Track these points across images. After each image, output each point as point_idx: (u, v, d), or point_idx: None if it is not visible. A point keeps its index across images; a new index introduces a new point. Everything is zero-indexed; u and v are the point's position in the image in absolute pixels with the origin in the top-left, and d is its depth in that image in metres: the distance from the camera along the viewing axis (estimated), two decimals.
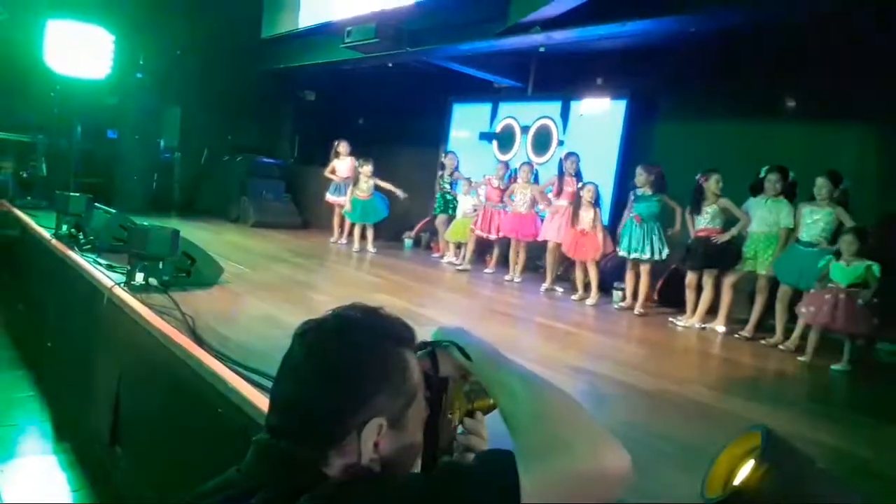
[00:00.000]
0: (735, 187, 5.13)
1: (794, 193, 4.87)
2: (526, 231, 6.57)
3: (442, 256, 7.71)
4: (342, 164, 8.13)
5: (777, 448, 1.09)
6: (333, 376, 0.83)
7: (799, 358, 4.37)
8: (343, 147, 8.14)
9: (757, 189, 5.00)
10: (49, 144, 9.05)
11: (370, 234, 7.85)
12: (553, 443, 0.79)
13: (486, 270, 7.06)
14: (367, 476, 0.83)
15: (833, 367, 4.21)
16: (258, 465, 0.84)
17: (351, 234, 8.02)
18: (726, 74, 5.94)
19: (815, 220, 4.63)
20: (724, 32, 5.50)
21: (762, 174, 4.93)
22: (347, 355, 0.85)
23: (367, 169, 7.71)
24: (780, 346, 4.63)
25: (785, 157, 5.15)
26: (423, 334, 0.98)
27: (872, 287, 4.25)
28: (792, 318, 4.69)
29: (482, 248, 7.29)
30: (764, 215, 4.89)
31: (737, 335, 4.89)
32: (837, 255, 4.39)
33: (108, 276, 4.19)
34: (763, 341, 4.74)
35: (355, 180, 7.83)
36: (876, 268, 4.28)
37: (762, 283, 4.89)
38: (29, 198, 8.18)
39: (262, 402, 2.38)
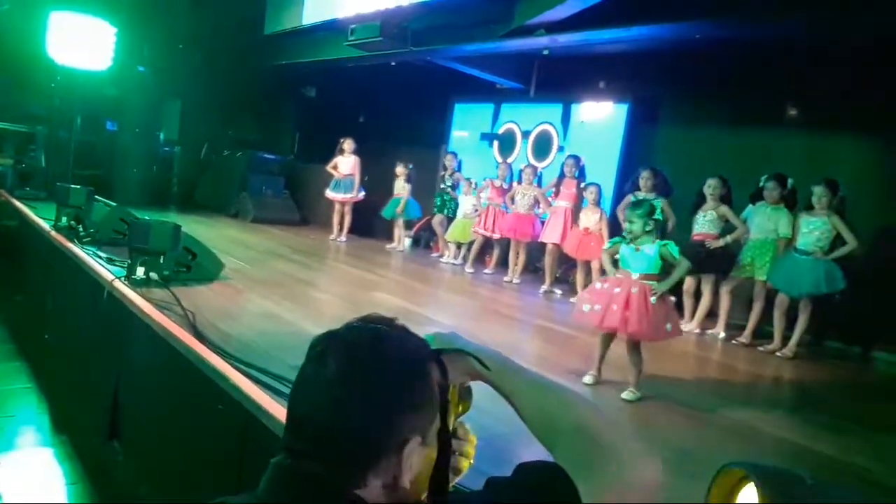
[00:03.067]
0: (734, 194, 5.13)
1: (795, 202, 4.89)
2: (524, 232, 6.56)
3: (441, 256, 7.72)
4: (345, 161, 8.16)
5: (766, 480, 1.12)
6: (373, 394, 0.78)
7: (584, 380, 3.31)
8: (348, 144, 8.20)
9: (756, 197, 5.02)
10: (48, 135, 9.04)
11: (399, 232, 8.06)
12: (603, 454, 0.84)
13: (486, 271, 7.06)
14: (410, 498, 0.80)
15: (623, 395, 3.18)
16: (286, 490, 0.78)
17: (350, 231, 8.31)
18: (729, 82, 5.96)
19: (811, 230, 4.64)
20: (727, 40, 5.52)
21: (762, 183, 4.95)
22: (386, 372, 0.81)
23: (401, 170, 7.95)
24: (778, 353, 4.64)
25: (785, 164, 5.17)
26: (419, 334, 0.95)
27: (668, 279, 3.24)
28: (790, 325, 4.71)
29: (482, 249, 7.30)
30: (762, 222, 4.91)
31: (734, 341, 4.90)
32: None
33: (108, 270, 4.18)
34: (761, 348, 4.75)
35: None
36: (672, 247, 3.18)
37: (759, 290, 4.91)
38: (27, 188, 8.17)
39: (261, 398, 2.38)
